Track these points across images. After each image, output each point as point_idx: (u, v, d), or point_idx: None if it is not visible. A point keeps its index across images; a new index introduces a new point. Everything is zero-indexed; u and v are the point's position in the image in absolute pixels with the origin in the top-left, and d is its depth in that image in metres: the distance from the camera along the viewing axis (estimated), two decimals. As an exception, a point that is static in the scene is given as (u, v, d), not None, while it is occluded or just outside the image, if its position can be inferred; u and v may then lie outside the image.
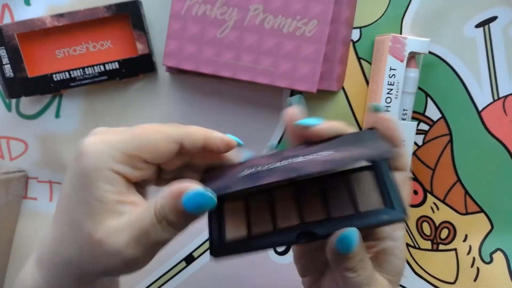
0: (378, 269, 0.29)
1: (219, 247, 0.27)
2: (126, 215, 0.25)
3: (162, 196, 0.25)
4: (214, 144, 0.28)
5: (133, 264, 0.25)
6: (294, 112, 0.30)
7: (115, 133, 0.26)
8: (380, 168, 0.27)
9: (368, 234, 0.30)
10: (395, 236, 0.29)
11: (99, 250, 0.25)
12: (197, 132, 0.28)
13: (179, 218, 0.24)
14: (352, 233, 0.25)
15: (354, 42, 0.46)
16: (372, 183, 0.27)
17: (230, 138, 0.29)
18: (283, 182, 0.29)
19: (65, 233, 0.26)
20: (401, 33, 0.45)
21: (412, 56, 0.43)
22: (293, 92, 0.47)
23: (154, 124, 0.27)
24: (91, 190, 0.25)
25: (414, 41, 0.42)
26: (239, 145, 0.30)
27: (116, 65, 0.45)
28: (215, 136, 0.28)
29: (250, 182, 0.25)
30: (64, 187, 0.26)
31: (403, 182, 0.29)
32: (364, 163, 0.28)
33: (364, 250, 0.27)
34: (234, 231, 0.27)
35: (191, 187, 0.24)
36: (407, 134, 0.43)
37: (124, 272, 0.26)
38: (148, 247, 0.25)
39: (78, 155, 0.25)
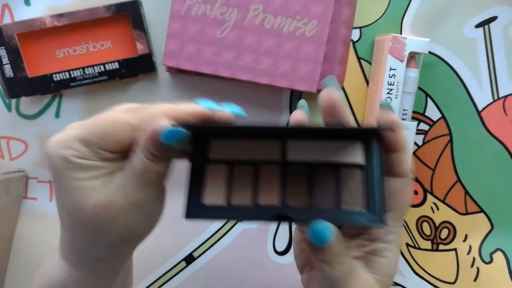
0: (367, 269, 0.29)
1: (194, 208, 0.27)
2: (121, 173, 0.25)
3: (143, 138, 0.25)
4: (183, 121, 0.26)
5: (150, 205, 0.26)
6: (301, 115, 0.30)
7: (78, 127, 0.26)
8: (372, 168, 0.27)
9: (359, 233, 0.30)
10: (387, 239, 0.29)
11: (113, 211, 0.25)
12: (160, 113, 0.26)
13: (159, 151, 0.25)
14: (326, 226, 0.25)
15: (354, 42, 0.46)
16: (361, 182, 0.27)
17: (203, 108, 0.26)
18: (269, 132, 0.29)
19: (72, 225, 0.26)
20: (401, 33, 0.45)
21: (412, 56, 0.43)
22: (293, 92, 0.47)
23: (114, 111, 0.26)
24: (70, 176, 0.25)
25: (414, 41, 0.42)
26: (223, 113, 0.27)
27: (116, 65, 0.45)
28: (182, 111, 0.26)
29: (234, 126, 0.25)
30: (53, 186, 0.27)
31: (402, 188, 0.28)
32: (358, 160, 0.28)
33: (343, 246, 0.27)
34: (212, 196, 0.27)
35: (163, 125, 0.24)
36: (407, 134, 0.43)
37: (146, 217, 0.27)
38: (151, 182, 0.26)
39: (46, 154, 0.26)
